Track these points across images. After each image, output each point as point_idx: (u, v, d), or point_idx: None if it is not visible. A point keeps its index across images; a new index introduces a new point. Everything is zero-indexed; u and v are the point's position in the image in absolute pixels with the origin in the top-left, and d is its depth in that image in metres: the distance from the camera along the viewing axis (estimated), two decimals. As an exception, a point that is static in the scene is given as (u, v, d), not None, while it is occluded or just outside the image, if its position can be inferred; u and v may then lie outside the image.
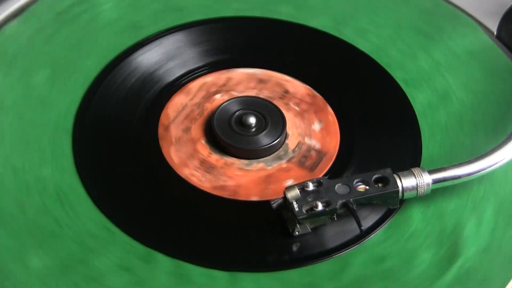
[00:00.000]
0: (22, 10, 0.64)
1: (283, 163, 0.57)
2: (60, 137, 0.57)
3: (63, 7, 0.64)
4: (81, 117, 0.58)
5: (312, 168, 0.57)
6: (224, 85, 0.60)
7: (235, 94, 0.60)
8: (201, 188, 0.54)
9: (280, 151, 0.57)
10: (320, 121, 0.59)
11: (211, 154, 0.56)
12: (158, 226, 0.53)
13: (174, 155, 0.56)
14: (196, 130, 0.57)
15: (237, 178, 0.55)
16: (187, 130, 0.57)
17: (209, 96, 0.59)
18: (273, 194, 0.54)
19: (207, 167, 0.56)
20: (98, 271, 0.50)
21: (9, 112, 0.58)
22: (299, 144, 0.58)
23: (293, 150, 0.58)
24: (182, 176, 0.55)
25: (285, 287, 0.51)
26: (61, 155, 0.56)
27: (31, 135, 0.57)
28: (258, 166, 0.56)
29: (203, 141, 0.57)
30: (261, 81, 0.61)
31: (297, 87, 0.61)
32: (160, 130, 0.57)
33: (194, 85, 0.60)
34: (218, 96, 0.59)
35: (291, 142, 0.58)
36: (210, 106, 0.59)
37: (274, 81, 0.61)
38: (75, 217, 0.52)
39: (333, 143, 0.58)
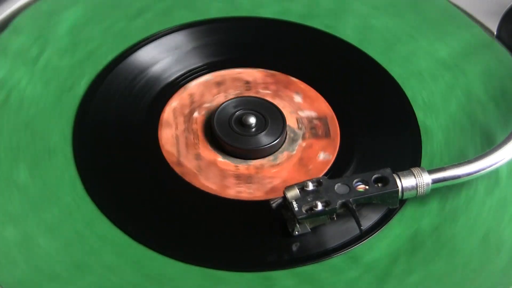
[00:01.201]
0: (21, 10, 0.65)
1: (302, 143, 0.57)
2: (60, 137, 0.57)
3: None
4: (81, 117, 0.58)
5: (327, 135, 0.58)
6: (192, 102, 0.60)
7: (208, 105, 0.59)
8: (255, 199, 0.54)
9: (290, 134, 0.58)
10: (297, 92, 0.60)
11: (237, 166, 0.56)
12: (158, 227, 0.53)
13: (209, 184, 0.55)
14: (205, 152, 0.57)
15: (278, 175, 0.56)
16: (198, 157, 0.56)
17: (188, 118, 0.59)
18: (319, 172, 0.56)
19: (245, 179, 0.55)
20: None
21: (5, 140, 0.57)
22: (298, 120, 0.58)
23: (299, 128, 0.58)
24: (230, 197, 0.54)
25: (285, 287, 0.50)
26: (62, 155, 0.56)
27: (31, 136, 0.57)
28: (284, 156, 0.57)
29: (219, 159, 0.57)
30: (218, 83, 0.61)
31: (252, 74, 0.62)
32: (176, 168, 0.56)
33: (167, 115, 0.59)
34: (196, 114, 0.59)
35: (291, 122, 0.58)
36: (197, 126, 0.58)
37: (229, 78, 0.61)
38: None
39: (323, 106, 0.60)
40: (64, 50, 0.62)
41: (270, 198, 0.52)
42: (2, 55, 0.61)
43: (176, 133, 0.58)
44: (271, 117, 0.58)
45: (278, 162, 0.57)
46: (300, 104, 0.60)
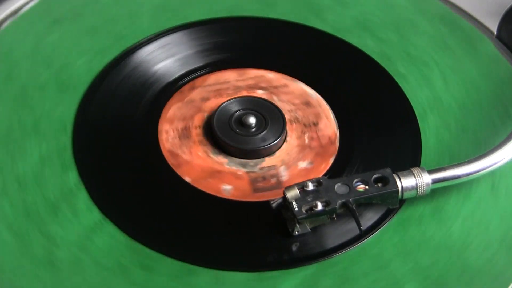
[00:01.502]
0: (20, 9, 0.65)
1: (300, 146, 0.58)
2: (60, 138, 0.57)
3: None
4: (81, 117, 0.58)
5: (325, 140, 0.58)
6: (194, 101, 0.60)
7: (210, 105, 0.59)
8: (253, 199, 0.54)
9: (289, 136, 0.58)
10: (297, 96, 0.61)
11: (230, 164, 0.56)
12: (158, 227, 0.53)
13: (207, 183, 0.55)
14: (202, 148, 0.57)
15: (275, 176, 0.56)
16: (196, 156, 0.56)
17: (190, 117, 0.59)
18: (315, 175, 0.56)
19: (243, 178, 0.56)
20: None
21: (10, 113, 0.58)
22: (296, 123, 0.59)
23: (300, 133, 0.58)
24: (228, 197, 0.54)
25: (285, 286, 0.50)
26: (61, 156, 0.56)
27: (31, 136, 0.57)
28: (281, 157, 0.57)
29: (219, 158, 0.56)
30: (223, 83, 0.61)
31: (260, 74, 0.62)
32: (175, 167, 0.56)
33: (169, 113, 0.59)
34: (197, 114, 0.59)
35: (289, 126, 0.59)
36: (197, 126, 0.58)
37: (234, 79, 0.61)
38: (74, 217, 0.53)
39: (324, 107, 0.60)
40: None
41: (259, 200, 0.53)
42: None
43: (176, 131, 0.58)
44: (271, 117, 0.58)
45: (295, 145, 0.57)
46: (299, 106, 0.60)
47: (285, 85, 0.61)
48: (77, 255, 0.51)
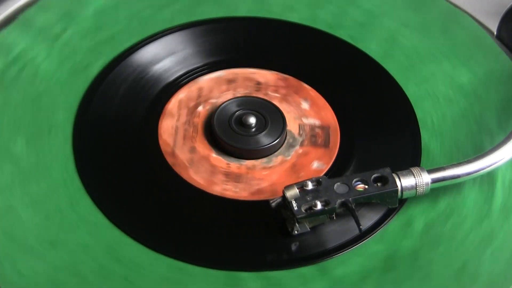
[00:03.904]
0: (20, 10, 0.65)
1: (299, 149, 0.57)
2: (64, 116, 0.57)
3: None
4: (81, 117, 0.58)
5: (326, 144, 0.57)
6: (199, 96, 0.60)
7: (214, 101, 0.59)
8: (240, 199, 0.54)
9: (289, 139, 0.58)
10: (305, 99, 0.60)
11: (229, 164, 0.56)
12: (158, 227, 0.53)
13: (197, 177, 0.55)
14: (201, 147, 0.57)
15: (267, 178, 0.56)
16: (192, 150, 0.57)
17: (192, 111, 0.59)
18: None
19: (233, 177, 0.55)
20: None
21: (10, 112, 0.58)
22: (300, 127, 0.58)
23: (299, 134, 0.58)
24: (215, 193, 0.54)
25: (284, 286, 0.50)
26: (61, 134, 0.56)
27: (36, 110, 0.57)
28: (278, 160, 0.57)
29: (213, 155, 0.57)
30: (230, 81, 0.61)
31: (266, 75, 0.62)
32: (168, 158, 0.56)
33: (172, 105, 0.59)
34: (200, 109, 0.59)
35: (292, 127, 0.58)
36: (198, 120, 0.58)
37: (242, 77, 0.61)
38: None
39: (329, 115, 0.59)
40: (87, 32, 0.63)
41: (254, 199, 0.53)
42: (26, 29, 0.62)
43: (177, 124, 0.58)
44: (272, 118, 0.58)
45: (270, 165, 0.57)
46: (306, 111, 0.60)
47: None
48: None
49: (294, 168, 0.56)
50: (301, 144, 0.58)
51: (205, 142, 0.57)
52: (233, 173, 0.56)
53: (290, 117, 0.59)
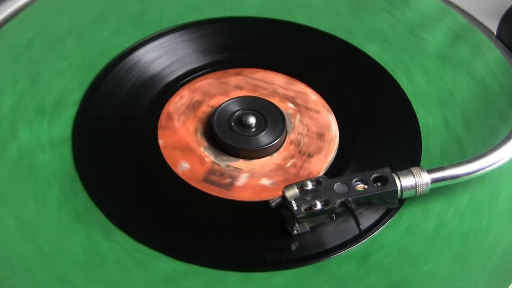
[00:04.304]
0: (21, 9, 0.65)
1: (300, 145, 0.58)
2: (60, 137, 0.57)
3: None
4: (81, 117, 0.58)
5: (326, 138, 0.58)
6: (197, 98, 0.60)
7: (213, 102, 0.59)
8: (249, 199, 0.54)
9: (289, 136, 0.58)
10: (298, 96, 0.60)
11: (229, 164, 0.56)
12: (154, 225, 0.53)
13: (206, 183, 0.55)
14: (202, 148, 0.57)
15: (271, 177, 0.56)
16: (193, 151, 0.56)
17: (191, 113, 0.59)
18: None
19: (236, 177, 0.55)
20: None
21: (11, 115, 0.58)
22: (299, 125, 0.59)
23: (299, 133, 0.58)
24: (226, 197, 0.54)
25: (284, 286, 0.50)
26: (61, 155, 0.56)
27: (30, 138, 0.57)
28: (280, 158, 0.57)
29: (214, 155, 0.57)
30: (226, 82, 0.61)
31: (269, 76, 0.62)
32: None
33: (171, 107, 0.59)
34: (200, 110, 0.59)
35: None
36: (198, 122, 0.58)
37: (238, 78, 0.61)
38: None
39: (327, 114, 0.60)
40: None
41: (260, 199, 0.53)
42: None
43: (176, 126, 0.58)
44: (271, 117, 0.58)
45: (272, 164, 0.57)
46: (311, 135, 0.60)
47: (318, 111, 0.60)
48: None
49: (295, 167, 0.56)
50: (301, 143, 0.58)
51: (206, 143, 0.57)
52: (235, 173, 0.56)
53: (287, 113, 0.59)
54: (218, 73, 0.62)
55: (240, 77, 0.61)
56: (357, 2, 0.68)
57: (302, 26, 0.66)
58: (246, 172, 0.56)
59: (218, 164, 0.56)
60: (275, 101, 0.60)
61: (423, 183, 0.52)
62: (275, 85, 0.61)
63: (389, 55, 0.64)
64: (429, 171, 0.52)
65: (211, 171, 0.55)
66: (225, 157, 0.56)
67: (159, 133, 0.57)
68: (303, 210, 0.50)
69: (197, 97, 0.59)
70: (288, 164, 0.57)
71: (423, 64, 0.63)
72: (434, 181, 0.52)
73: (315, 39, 0.65)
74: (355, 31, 0.65)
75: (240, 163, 0.56)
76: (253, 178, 0.56)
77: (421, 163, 0.57)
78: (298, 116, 0.59)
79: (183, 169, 0.55)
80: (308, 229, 0.52)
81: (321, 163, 0.57)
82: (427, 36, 0.65)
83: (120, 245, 0.51)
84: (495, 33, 0.66)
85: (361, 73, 0.63)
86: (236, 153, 0.57)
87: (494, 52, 0.64)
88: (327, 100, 0.60)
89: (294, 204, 0.50)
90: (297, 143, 0.58)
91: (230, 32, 0.65)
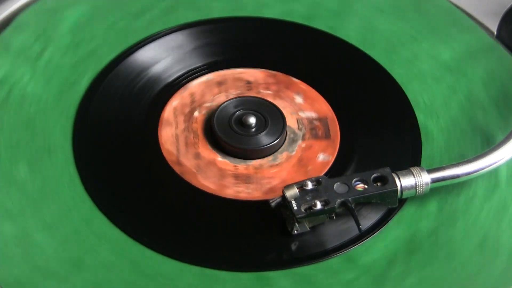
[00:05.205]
0: (23, 8, 0.65)
1: (301, 144, 0.57)
2: (60, 135, 0.57)
3: None
4: (81, 116, 0.58)
5: (327, 136, 0.58)
6: (193, 101, 0.60)
7: (209, 105, 0.59)
8: (254, 199, 0.54)
9: (290, 134, 0.58)
10: (298, 93, 0.60)
11: (236, 166, 0.56)
12: (156, 225, 0.53)
13: (208, 183, 0.55)
14: (205, 152, 0.57)
15: (277, 175, 0.56)
16: (197, 156, 0.56)
17: (188, 117, 0.59)
18: (318, 173, 0.55)
19: (243, 179, 0.55)
20: None
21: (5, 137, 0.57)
22: (299, 121, 0.58)
23: (299, 129, 0.58)
24: (229, 197, 0.54)
25: (284, 286, 0.50)
26: (61, 153, 0.56)
27: (31, 133, 0.57)
28: (284, 156, 0.57)
29: (219, 158, 0.57)
30: (219, 83, 0.61)
31: (254, 74, 0.62)
32: (175, 167, 0.56)
33: (167, 114, 0.59)
34: (196, 114, 0.59)
35: (291, 122, 0.58)
36: (197, 126, 0.58)
37: (230, 78, 0.61)
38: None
39: (324, 107, 0.60)
40: (67, 48, 0.62)
41: (268, 198, 0.52)
42: (4, 52, 0.61)
43: (176, 132, 0.58)
44: (271, 117, 0.58)
45: (277, 162, 0.57)
46: (301, 105, 0.60)
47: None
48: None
49: (301, 162, 0.57)
50: (303, 138, 0.58)
51: (208, 146, 0.57)
52: (242, 174, 0.56)
53: (286, 112, 0.59)
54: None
55: (199, 88, 0.61)
56: None
57: (280, 20, 0.66)
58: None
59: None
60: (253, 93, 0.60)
61: (423, 183, 0.52)
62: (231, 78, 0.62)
63: (391, 55, 0.64)
64: (429, 171, 0.52)
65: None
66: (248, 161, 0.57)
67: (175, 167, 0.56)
68: (303, 210, 0.50)
69: (180, 124, 0.59)
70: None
71: (424, 65, 0.63)
72: (434, 181, 0.52)
73: (317, 39, 0.65)
74: (358, 32, 0.65)
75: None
76: (307, 155, 0.56)
77: (421, 163, 0.57)
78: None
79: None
80: (308, 229, 0.52)
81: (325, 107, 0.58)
82: (427, 36, 0.65)
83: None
84: (495, 33, 0.66)
85: (361, 73, 0.63)
86: (241, 155, 0.57)
87: (494, 52, 0.64)
88: (328, 100, 0.60)
89: (294, 204, 0.50)
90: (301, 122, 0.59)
91: (231, 32, 0.65)
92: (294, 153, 0.57)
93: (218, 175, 0.55)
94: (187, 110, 0.59)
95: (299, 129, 0.58)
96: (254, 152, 0.57)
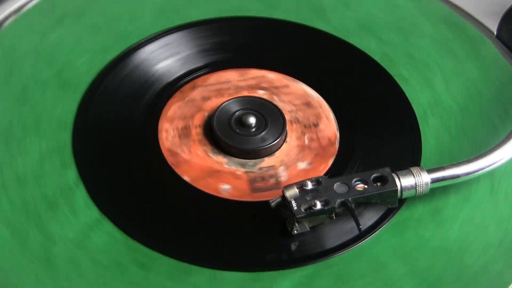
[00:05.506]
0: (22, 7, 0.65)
1: (300, 144, 0.58)
2: (60, 136, 0.57)
3: None
4: (81, 115, 0.58)
5: (325, 138, 0.58)
6: (193, 102, 0.60)
7: (209, 105, 0.59)
8: (254, 199, 0.54)
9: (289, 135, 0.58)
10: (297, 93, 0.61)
11: (236, 166, 0.56)
12: (156, 225, 0.53)
13: (208, 183, 0.55)
14: (205, 152, 0.57)
15: (276, 175, 0.56)
16: (197, 156, 0.56)
17: (189, 117, 0.59)
18: (316, 175, 0.55)
19: (240, 177, 0.55)
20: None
21: (11, 111, 0.58)
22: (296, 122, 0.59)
23: (301, 134, 0.58)
24: (228, 197, 0.54)
25: (284, 286, 0.50)
26: (61, 154, 0.56)
27: (31, 134, 0.57)
28: (281, 158, 0.57)
29: (219, 158, 0.56)
30: (220, 83, 0.61)
31: (254, 74, 0.62)
32: (175, 167, 0.56)
33: (167, 113, 0.59)
34: (196, 114, 0.59)
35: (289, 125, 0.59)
36: (197, 126, 0.58)
37: (231, 78, 0.61)
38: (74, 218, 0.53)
39: (324, 107, 0.60)
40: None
41: (268, 198, 0.52)
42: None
43: (176, 132, 0.58)
44: (271, 117, 0.58)
45: (295, 146, 0.57)
46: (301, 105, 0.60)
47: (286, 86, 0.61)
48: (74, 253, 0.51)
49: (313, 140, 0.57)
50: (299, 119, 0.58)
51: (208, 146, 0.57)
52: (239, 173, 0.56)
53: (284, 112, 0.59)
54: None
55: (199, 89, 0.61)
56: None
57: (303, 26, 0.66)
58: (279, 166, 0.56)
59: (252, 172, 0.56)
60: (244, 93, 0.60)
61: (423, 183, 0.52)
62: (233, 81, 0.61)
63: (391, 56, 0.64)
64: (429, 171, 0.52)
65: (253, 180, 0.55)
66: (250, 162, 0.56)
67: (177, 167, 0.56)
68: (303, 210, 0.50)
69: (180, 124, 0.58)
70: (307, 141, 0.57)
71: (424, 65, 0.63)
72: (434, 181, 0.52)
73: (316, 39, 0.65)
74: (358, 32, 0.65)
75: (268, 161, 0.56)
76: (290, 168, 0.56)
77: (421, 163, 0.57)
78: (275, 98, 0.60)
79: (227, 191, 0.55)
80: (308, 229, 0.52)
81: (329, 126, 0.58)
82: (428, 37, 0.65)
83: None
84: (495, 33, 0.66)
85: (363, 75, 0.63)
86: (236, 153, 0.57)
87: (495, 54, 0.64)
88: (328, 101, 0.60)
89: (294, 204, 0.50)
90: (296, 120, 0.58)
91: (231, 32, 0.65)
92: (293, 153, 0.57)
93: (218, 175, 0.55)
94: (187, 110, 0.59)
95: (301, 134, 0.59)
96: (254, 152, 0.57)
